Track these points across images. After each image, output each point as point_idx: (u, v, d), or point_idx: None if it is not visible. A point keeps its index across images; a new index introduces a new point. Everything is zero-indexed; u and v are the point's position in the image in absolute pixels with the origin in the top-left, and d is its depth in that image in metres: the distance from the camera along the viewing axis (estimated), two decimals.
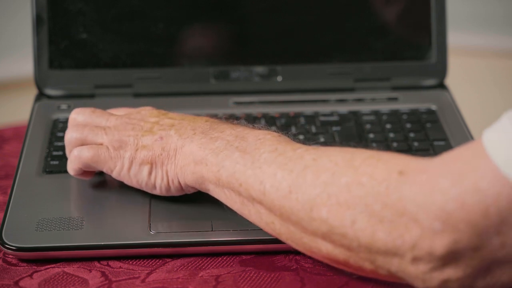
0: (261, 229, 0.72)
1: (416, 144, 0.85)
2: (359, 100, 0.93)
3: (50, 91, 0.93)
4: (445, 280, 0.58)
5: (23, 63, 1.64)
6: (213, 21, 0.94)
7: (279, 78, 0.94)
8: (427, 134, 0.87)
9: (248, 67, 0.94)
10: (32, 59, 0.93)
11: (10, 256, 0.72)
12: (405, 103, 0.92)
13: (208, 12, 0.94)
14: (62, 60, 0.93)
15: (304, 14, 0.94)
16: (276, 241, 0.72)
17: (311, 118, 0.89)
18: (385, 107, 0.92)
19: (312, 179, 0.62)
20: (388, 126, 0.88)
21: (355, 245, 0.60)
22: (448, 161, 0.58)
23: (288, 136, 0.70)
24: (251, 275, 0.69)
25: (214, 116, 0.89)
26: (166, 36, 0.93)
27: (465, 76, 1.87)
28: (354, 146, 0.83)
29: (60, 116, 0.90)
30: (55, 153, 0.83)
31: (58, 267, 0.70)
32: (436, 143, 0.85)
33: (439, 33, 0.94)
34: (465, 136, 0.86)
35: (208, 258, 0.71)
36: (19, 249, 0.71)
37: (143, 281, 0.68)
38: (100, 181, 0.79)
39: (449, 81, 0.96)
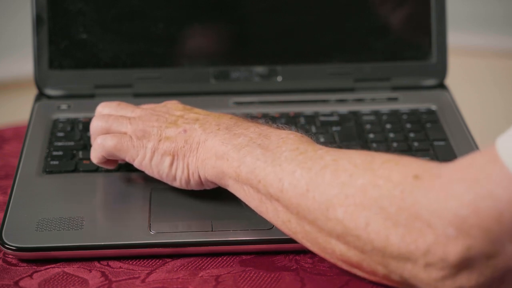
0: (261, 230, 0.72)
1: (416, 144, 0.85)
2: (359, 100, 0.93)
3: (50, 91, 0.93)
4: None
5: (23, 63, 1.64)
6: (213, 21, 0.94)
7: (279, 78, 0.94)
8: (427, 134, 0.87)
9: (248, 67, 0.94)
10: (32, 59, 0.93)
11: (10, 256, 0.72)
12: (405, 103, 0.92)
13: (208, 12, 0.94)
14: (62, 60, 0.93)
15: (304, 14, 0.94)
16: (276, 241, 0.72)
17: (311, 118, 0.89)
18: (385, 107, 0.92)
19: (330, 179, 0.62)
20: (388, 126, 0.88)
21: (369, 248, 0.60)
22: (462, 166, 0.58)
23: (311, 138, 0.70)
24: (251, 275, 0.69)
25: None
26: (166, 36, 0.94)
27: (465, 76, 1.87)
28: (355, 146, 0.84)
29: (60, 116, 0.90)
30: (55, 153, 0.83)
31: (58, 267, 0.70)
32: (436, 143, 0.85)
33: (439, 33, 0.94)
34: (465, 136, 0.86)
35: (208, 258, 0.71)
36: (19, 249, 0.71)
37: (143, 281, 0.68)
38: (100, 181, 0.79)
39: (449, 81, 0.96)
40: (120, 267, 0.70)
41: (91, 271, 0.70)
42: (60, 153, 0.83)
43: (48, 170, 0.81)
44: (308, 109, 0.91)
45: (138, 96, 0.93)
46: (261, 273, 0.69)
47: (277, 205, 0.66)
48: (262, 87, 0.94)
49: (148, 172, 0.75)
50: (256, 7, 0.94)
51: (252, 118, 0.89)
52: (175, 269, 0.70)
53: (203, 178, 0.73)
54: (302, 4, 0.94)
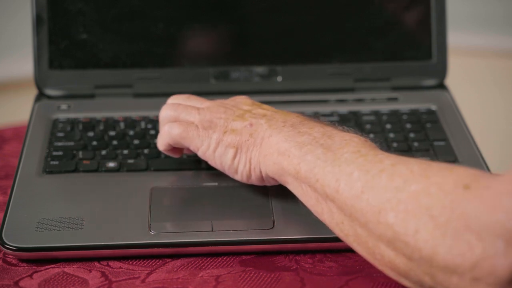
0: (261, 230, 0.72)
1: (416, 144, 0.85)
2: (359, 100, 0.93)
3: (50, 91, 0.93)
4: None
5: (23, 63, 1.64)
6: (213, 21, 0.94)
7: (279, 78, 0.94)
8: (427, 134, 0.87)
9: (248, 67, 0.94)
10: (32, 59, 0.93)
11: (10, 256, 0.72)
12: (405, 103, 0.92)
13: (208, 12, 0.94)
14: (62, 60, 0.93)
15: (304, 14, 0.94)
16: (276, 241, 0.72)
17: None
18: (385, 107, 0.92)
19: (385, 183, 0.62)
20: (388, 126, 0.88)
21: (416, 256, 0.60)
22: None
23: (375, 143, 0.69)
24: (251, 275, 0.69)
25: None
26: (166, 36, 0.94)
27: (465, 76, 1.87)
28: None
29: (60, 116, 0.90)
30: (55, 153, 0.83)
31: (58, 267, 0.70)
32: (436, 143, 0.85)
33: (439, 33, 0.94)
34: (465, 136, 0.86)
35: (208, 258, 0.71)
36: (19, 249, 0.71)
37: (143, 281, 0.68)
38: (100, 181, 0.79)
39: (449, 81, 0.96)
40: (120, 267, 0.70)
41: (91, 271, 0.70)
42: (60, 153, 0.83)
43: (48, 170, 0.81)
44: (308, 109, 0.91)
45: (138, 96, 0.93)
46: (261, 273, 0.69)
47: (332, 206, 0.66)
48: (262, 87, 0.94)
49: (211, 162, 0.76)
50: (256, 7, 0.94)
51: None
52: (175, 269, 0.70)
53: (264, 173, 0.73)
54: (302, 4, 0.94)
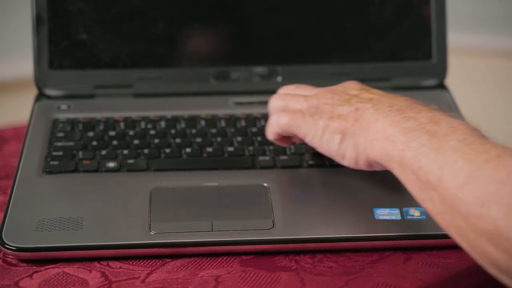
0: (261, 230, 0.72)
1: None
2: None
3: (50, 91, 0.93)
4: None
5: (23, 63, 1.64)
6: (213, 21, 0.94)
7: (279, 79, 0.95)
8: None
9: (248, 68, 0.94)
10: (32, 59, 0.93)
11: (10, 256, 0.72)
12: None
13: (208, 12, 0.94)
14: (62, 60, 0.93)
15: (304, 14, 0.94)
16: (276, 241, 0.72)
17: None
18: None
19: (490, 175, 0.60)
20: None
21: None
22: None
23: (482, 132, 0.67)
24: (251, 275, 0.69)
25: (214, 116, 0.90)
26: (166, 36, 0.94)
27: (465, 76, 1.87)
28: None
29: (60, 116, 0.90)
30: (55, 153, 0.83)
31: (58, 267, 0.70)
32: None
33: (439, 33, 0.94)
34: None
35: (208, 258, 0.71)
36: (19, 249, 0.71)
37: (143, 281, 0.68)
38: (100, 181, 0.79)
39: (449, 81, 0.96)
40: (120, 267, 0.70)
41: (91, 271, 0.70)
42: (60, 153, 0.83)
43: (48, 170, 0.81)
44: None
45: (138, 96, 0.93)
46: (261, 273, 0.69)
47: (434, 195, 0.64)
48: (262, 87, 0.94)
49: (318, 148, 0.76)
50: (256, 7, 0.94)
51: (253, 118, 0.89)
52: (175, 269, 0.70)
53: (371, 158, 0.72)
54: (302, 4, 0.94)
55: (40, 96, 0.94)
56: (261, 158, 0.82)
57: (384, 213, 0.75)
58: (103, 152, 0.83)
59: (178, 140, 0.85)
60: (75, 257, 0.71)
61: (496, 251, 0.59)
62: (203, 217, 0.74)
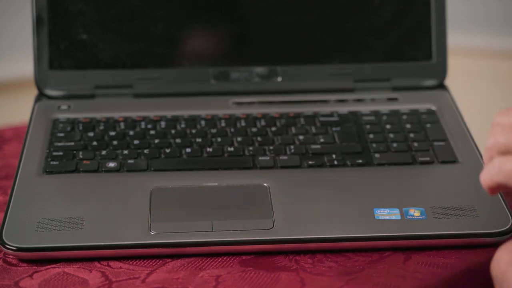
0: (261, 230, 0.72)
1: (415, 144, 0.85)
2: (359, 101, 0.93)
3: (50, 92, 0.93)
4: None
5: (23, 64, 1.64)
6: (213, 22, 0.94)
7: (279, 79, 0.95)
8: (427, 134, 0.87)
9: (248, 68, 0.94)
10: (32, 59, 0.93)
11: (11, 256, 0.72)
12: (405, 104, 0.92)
13: (208, 12, 0.94)
14: (62, 61, 0.93)
15: (304, 14, 0.94)
16: (276, 241, 0.72)
17: (311, 119, 0.90)
18: (385, 108, 0.92)
19: None
20: (388, 126, 0.88)
21: None
22: None
23: None
24: (251, 275, 0.69)
25: (214, 116, 0.90)
26: (166, 36, 0.94)
27: (465, 76, 1.87)
28: (354, 147, 0.84)
29: (60, 116, 0.90)
30: (55, 153, 0.83)
31: (58, 267, 0.70)
32: (436, 143, 0.85)
33: (439, 33, 0.94)
34: (465, 137, 0.86)
35: (208, 258, 0.72)
36: (19, 249, 0.71)
37: (143, 281, 0.68)
38: (100, 181, 0.79)
39: (449, 81, 0.96)
40: (120, 267, 0.70)
41: (91, 271, 0.70)
42: (60, 153, 0.83)
43: (48, 170, 0.81)
44: (308, 110, 0.91)
45: (138, 97, 0.93)
46: (261, 273, 0.70)
47: None
48: (262, 87, 0.94)
49: None
50: (256, 7, 0.94)
51: (253, 118, 0.89)
52: (175, 269, 0.70)
53: None
54: (302, 4, 0.94)
55: (40, 96, 0.94)
56: (261, 158, 0.83)
57: (384, 213, 0.75)
58: (103, 152, 0.83)
59: (178, 140, 0.85)
60: (75, 257, 0.71)
61: None
62: (203, 217, 0.74)
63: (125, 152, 0.84)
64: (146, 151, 0.84)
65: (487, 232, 0.73)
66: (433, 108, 0.92)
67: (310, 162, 0.82)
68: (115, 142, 0.85)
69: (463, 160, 0.82)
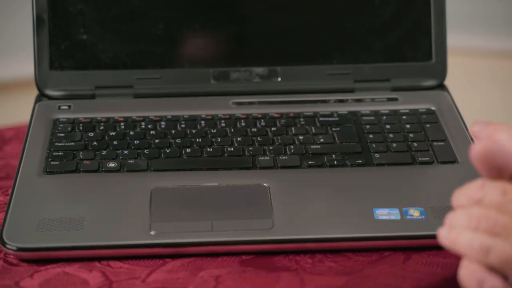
0: (260, 230, 0.72)
1: (415, 144, 0.85)
2: (359, 101, 0.93)
3: (50, 92, 0.93)
4: None
5: (23, 64, 1.64)
6: (213, 22, 0.94)
7: (279, 79, 0.95)
8: (426, 134, 0.87)
9: (248, 68, 0.95)
10: (32, 60, 0.93)
11: (11, 256, 0.72)
12: (405, 104, 0.92)
13: (208, 12, 0.94)
14: (63, 61, 0.93)
15: (304, 14, 0.94)
16: (276, 241, 0.72)
17: (311, 119, 0.90)
18: (384, 108, 0.92)
19: None
20: (387, 126, 0.88)
21: None
22: None
23: None
24: (251, 275, 0.69)
25: (214, 116, 0.90)
26: (166, 36, 0.94)
27: (465, 76, 1.87)
28: (354, 147, 0.84)
29: (61, 116, 0.90)
30: (55, 153, 0.83)
31: (58, 267, 0.71)
32: (435, 143, 0.85)
33: (438, 33, 0.94)
34: (465, 137, 0.86)
35: (208, 258, 0.72)
36: (20, 249, 0.71)
37: (143, 281, 0.69)
38: (100, 181, 0.79)
39: (449, 81, 0.96)
40: (121, 267, 0.70)
41: (91, 271, 0.70)
42: (61, 153, 0.83)
43: (49, 170, 0.81)
44: (308, 110, 0.91)
45: (139, 97, 0.93)
46: (261, 273, 0.70)
47: None
48: (262, 87, 0.94)
49: None
50: (256, 8, 0.94)
51: (253, 118, 0.89)
52: (175, 269, 0.70)
53: None
54: (302, 4, 0.94)
55: (41, 96, 0.94)
56: (261, 158, 0.83)
57: (384, 213, 0.75)
58: (104, 152, 0.84)
59: (178, 140, 0.85)
60: (75, 257, 0.71)
61: None
62: (203, 217, 0.74)
63: (125, 152, 0.84)
64: (146, 151, 0.84)
65: None
66: (433, 108, 0.92)
67: (310, 162, 0.82)
68: (115, 142, 0.85)
69: (463, 160, 0.83)
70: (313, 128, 0.88)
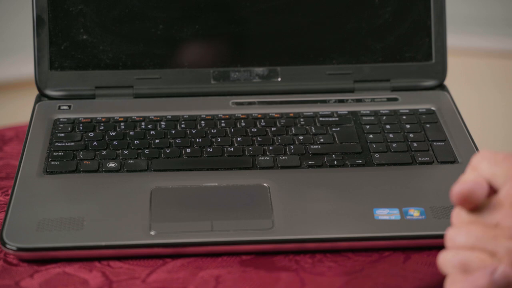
0: (260, 230, 0.72)
1: (415, 144, 0.85)
2: (359, 101, 0.93)
3: (50, 92, 0.93)
4: None
5: (23, 64, 1.64)
6: (213, 22, 0.94)
7: (279, 79, 0.95)
8: (426, 134, 0.87)
9: (248, 68, 0.95)
10: (32, 60, 0.93)
11: (11, 256, 0.72)
12: (405, 104, 0.93)
13: (208, 13, 0.94)
14: (63, 61, 0.93)
15: (304, 14, 0.94)
16: (276, 241, 0.72)
17: (311, 119, 0.90)
18: (384, 108, 0.92)
19: None
20: (387, 126, 0.88)
21: None
22: None
23: None
24: (251, 275, 0.69)
25: (214, 116, 0.90)
26: (167, 37, 0.94)
27: (465, 76, 1.87)
28: (354, 147, 0.84)
29: (61, 116, 0.90)
30: (55, 153, 0.83)
31: (58, 267, 0.71)
32: (435, 143, 0.85)
33: (438, 34, 0.94)
34: (465, 137, 0.86)
35: (208, 258, 0.72)
36: (20, 249, 0.71)
37: (143, 281, 0.69)
38: (100, 182, 0.79)
39: (449, 81, 0.96)
40: (121, 267, 0.71)
41: (91, 271, 0.70)
42: (61, 153, 0.83)
43: (49, 170, 0.81)
44: (308, 110, 0.91)
45: (139, 97, 0.93)
46: (261, 273, 0.70)
47: None
48: (262, 88, 0.94)
49: None
50: (256, 8, 0.94)
51: (253, 118, 0.89)
52: (175, 269, 0.70)
53: None
54: (302, 5, 0.94)
55: (41, 96, 0.94)
56: (261, 158, 0.83)
57: (384, 213, 0.75)
58: (104, 152, 0.84)
59: (178, 140, 0.85)
60: (75, 257, 0.71)
61: None
62: (203, 217, 0.74)
63: (125, 152, 0.84)
64: (146, 151, 0.84)
65: None
66: (433, 108, 0.92)
67: (310, 162, 0.82)
68: (115, 142, 0.85)
69: (463, 160, 0.83)
70: (313, 128, 0.88)
